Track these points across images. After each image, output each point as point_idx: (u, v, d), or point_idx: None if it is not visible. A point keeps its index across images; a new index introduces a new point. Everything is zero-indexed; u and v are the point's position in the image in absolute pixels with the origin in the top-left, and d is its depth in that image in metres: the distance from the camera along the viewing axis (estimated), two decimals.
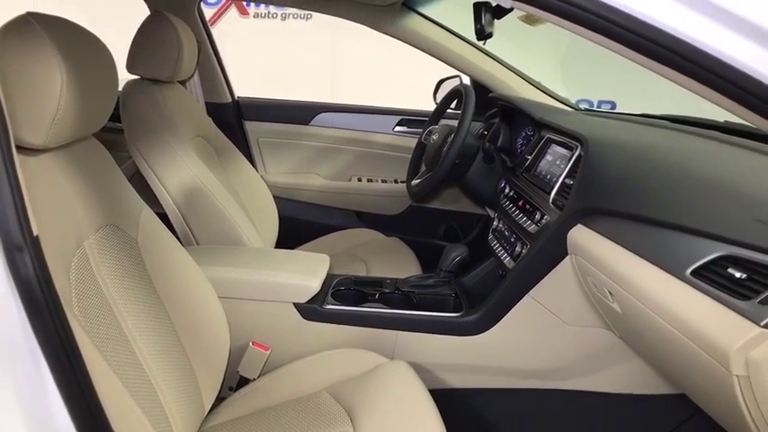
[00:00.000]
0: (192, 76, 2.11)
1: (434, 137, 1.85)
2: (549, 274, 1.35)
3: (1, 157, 0.56)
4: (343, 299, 1.51)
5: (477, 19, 1.24)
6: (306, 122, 2.40)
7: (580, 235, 1.24)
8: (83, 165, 1.00)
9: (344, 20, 2.09)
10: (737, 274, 0.83)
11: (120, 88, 1.08)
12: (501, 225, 1.68)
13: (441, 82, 2.22)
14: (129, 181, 1.17)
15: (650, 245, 1.02)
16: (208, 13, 2.23)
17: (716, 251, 0.88)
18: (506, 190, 1.73)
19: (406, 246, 2.09)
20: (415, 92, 2.53)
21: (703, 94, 0.69)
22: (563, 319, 1.38)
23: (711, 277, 0.86)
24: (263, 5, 4.54)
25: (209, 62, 2.23)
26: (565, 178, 1.41)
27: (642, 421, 1.46)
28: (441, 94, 2.15)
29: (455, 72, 2.15)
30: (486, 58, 2.10)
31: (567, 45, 3.49)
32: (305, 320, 1.44)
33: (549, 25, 0.78)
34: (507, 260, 1.52)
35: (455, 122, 1.76)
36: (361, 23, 2.06)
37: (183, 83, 1.91)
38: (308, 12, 4.00)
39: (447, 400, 1.24)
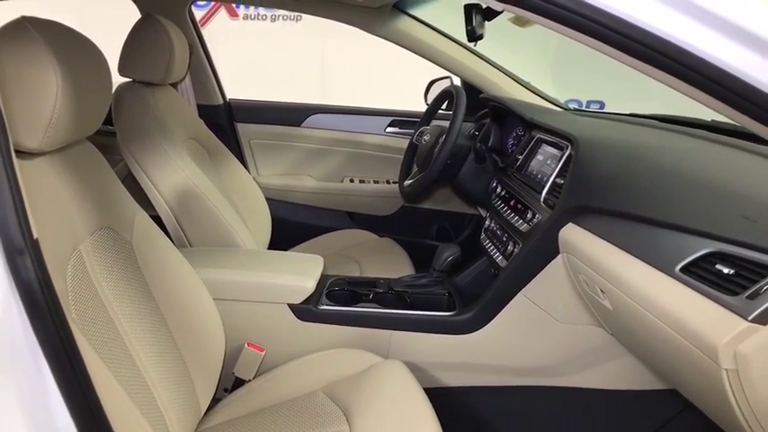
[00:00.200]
0: (184, 78, 2.11)
1: (426, 137, 1.86)
2: (541, 272, 1.36)
3: (1, 160, 0.56)
4: (337, 299, 1.51)
5: (468, 21, 1.25)
6: (297, 124, 2.41)
7: (571, 233, 1.25)
8: (78, 168, 1.00)
9: (335, 22, 2.10)
10: (725, 270, 0.85)
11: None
12: (493, 224, 1.70)
13: (431, 83, 2.23)
14: None
15: (640, 242, 1.04)
16: (197, 15, 2.23)
17: (704, 248, 0.90)
18: (498, 190, 1.75)
19: (399, 246, 2.10)
20: (405, 93, 2.54)
21: (690, 95, 0.70)
22: (555, 317, 1.39)
23: (700, 273, 0.88)
24: (252, 7, 4.53)
25: (201, 64, 2.23)
26: (555, 178, 1.43)
27: (634, 416, 1.48)
28: (431, 95, 2.16)
29: (445, 73, 2.16)
30: (476, 59, 2.11)
31: (555, 46, 3.52)
32: (300, 321, 1.44)
33: (538, 27, 0.79)
34: (500, 259, 1.54)
35: (446, 123, 1.77)
36: (352, 25, 2.07)
37: (174, 85, 1.91)
38: (297, 13, 4.00)
39: (442, 398, 1.25)
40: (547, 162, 1.54)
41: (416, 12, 2.08)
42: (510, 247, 1.50)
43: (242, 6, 4.46)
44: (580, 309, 1.36)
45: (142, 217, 1.17)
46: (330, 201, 2.41)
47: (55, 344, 0.60)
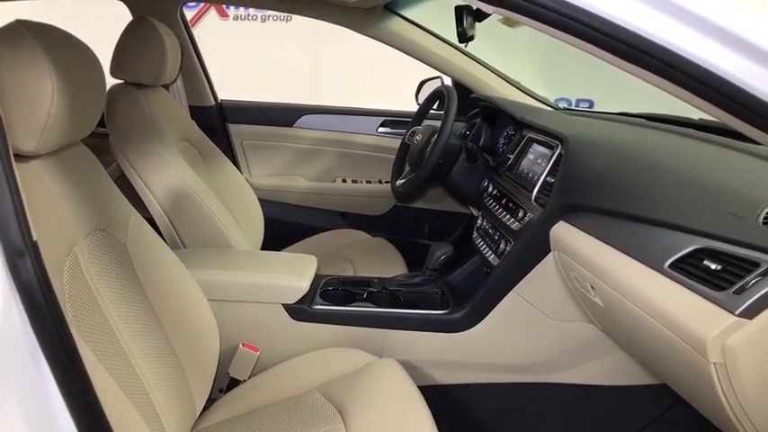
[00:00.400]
0: (176, 79, 2.11)
1: (418, 137, 1.88)
2: (533, 270, 1.38)
3: (0, 163, 0.57)
4: (331, 299, 1.52)
5: (459, 22, 1.26)
6: (289, 124, 2.41)
7: (562, 231, 1.27)
8: (72, 170, 1.01)
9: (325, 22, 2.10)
10: (713, 266, 0.86)
11: None
12: (485, 223, 1.71)
13: (422, 83, 2.24)
14: None
15: (630, 240, 1.05)
16: (187, 15, 2.23)
17: (692, 244, 0.91)
18: (489, 189, 1.77)
19: (392, 245, 2.11)
20: (396, 93, 2.55)
21: (675, 93, 0.71)
22: (547, 314, 1.41)
23: (688, 269, 0.90)
24: (242, 8, 4.52)
25: (192, 65, 2.23)
26: (546, 176, 1.44)
27: (625, 411, 1.50)
28: (422, 96, 2.17)
29: (436, 73, 2.17)
30: (467, 59, 2.13)
31: (545, 46, 3.54)
32: (294, 321, 1.45)
33: (527, 27, 0.80)
34: (492, 257, 1.55)
35: (438, 123, 1.78)
36: (343, 26, 2.07)
37: (166, 87, 1.91)
38: (288, 14, 3.99)
39: (436, 395, 1.26)
40: (537, 161, 1.56)
41: (407, 12, 2.09)
42: (502, 246, 1.51)
43: (232, 7, 4.45)
44: (571, 306, 1.38)
45: (136, 218, 1.17)
46: (322, 201, 2.42)
47: (55, 344, 0.61)
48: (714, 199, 0.98)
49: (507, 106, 1.85)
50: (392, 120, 2.41)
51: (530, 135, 1.68)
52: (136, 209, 1.20)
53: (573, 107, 3.57)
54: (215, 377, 1.26)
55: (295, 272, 1.49)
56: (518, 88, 2.17)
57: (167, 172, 1.57)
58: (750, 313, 0.78)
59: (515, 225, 1.47)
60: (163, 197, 1.58)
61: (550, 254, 1.33)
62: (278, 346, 1.44)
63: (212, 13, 4.51)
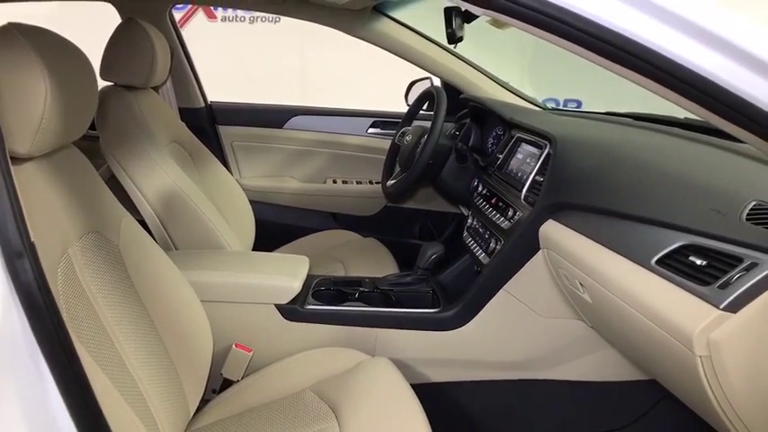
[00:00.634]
0: (166, 81, 2.11)
1: (408, 138, 1.89)
2: (523, 268, 1.39)
3: None
4: (323, 299, 1.53)
5: (448, 24, 1.27)
6: (279, 126, 2.41)
7: (551, 229, 1.29)
8: (65, 173, 1.01)
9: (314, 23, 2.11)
10: (698, 262, 0.88)
11: None
12: (475, 222, 1.73)
13: (412, 84, 2.25)
14: None
15: (617, 237, 1.07)
16: (174, 17, 2.23)
17: (678, 241, 0.94)
18: (479, 188, 1.78)
19: (383, 246, 2.12)
20: (386, 94, 2.56)
21: (662, 94, 0.73)
22: (537, 312, 1.43)
23: (675, 265, 0.92)
24: (230, 9, 4.50)
25: (182, 67, 2.23)
26: (535, 176, 1.46)
27: (615, 407, 1.52)
28: (412, 96, 2.18)
29: (425, 74, 2.19)
30: (456, 60, 2.14)
31: (533, 47, 3.57)
32: (287, 321, 1.46)
33: (515, 29, 0.81)
34: (482, 256, 1.57)
35: (427, 123, 1.80)
36: (332, 27, 2.08)
37: (156, 89, 1.91)
38: (276, 15, 3.99)
39: (428, 393, 1.27)
40: (526, 161, 1.58)
41: (396, 14, 2.11)
42: (492, 245, 1.53)
43: (220, 8, 4.44)
44: (561, 303, 1.39)
45: (129, 220, 1.18)
46: (313, 202, 2.43)
47: (54, 345, 0.61)
48: (699, 196, 1.01)
49: (496, 107, 1.87)
50: (382, 120, 2.42)
51: (518, 135, 1.70)
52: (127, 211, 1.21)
53: (561, 107, 3.60)
54: (208, 378, 1.26)
55: (287, 272, 1.50)
56: (507, 89, 2.18)
57: (158, 174, 1.57)
58: (734, 307, 0.80)
59: (505, 224, 1.49)
60: (154, 199, 1.58)
61: (540, 252, 1.35)
62: (271, 347, 1.45)
63: (200, 14, 4.49)
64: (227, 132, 2.40)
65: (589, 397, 1.50)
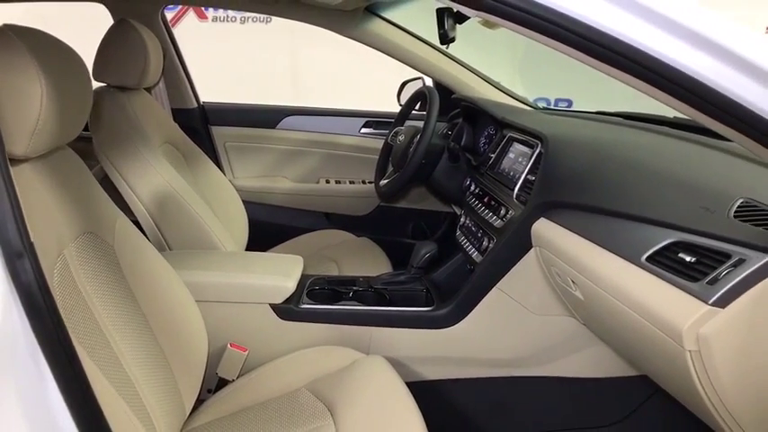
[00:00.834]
0: (158, 82, 2.11)
1: (401, 138, 1.90)
2: (515, 266, 1.41)
3: None
4: (318, 298, 1.53)
5: (441, 24, 1.28)
6: (272, 126, 2.42)
7: (543, 228, 1.30)
8: (60, 174, 1.01)
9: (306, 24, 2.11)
10: (687, 258, 0.90)
11: None
12: (468, 221, 1.74)
13: (404, 84, 2.26)
14: None
15: (608, 235, 1.09)
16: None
17: (668, 238, 0.95)
18: (472, 187, 1.79)
19: (376, 245, 2.12)
20: (378, 94, 2.56)
21: (651, 94, 0.74)
22: (529, 309, 1.44)
23: (664, 262, 0.93)
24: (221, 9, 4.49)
25: (174, 68, 2.23)
26: (527, 175, 1.48)
27: (607, 402, 1.53)
28: (404, 96, 2.20)
29: (417, 74, 2.20)
30: (448, 60, 2.15)
31: (524, 47, 3.59)
32: (281, 320, 1.46)
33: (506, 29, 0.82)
34: (475, 254, 1.58)
35: (420, 123, 1.81)
36: (324, 28, 2.09)
37: (148, 89, 1.91)
38: (268, 15, 3.98)
39: (423, 391, 1.28)
40: (518, 160, 1.59)
41: (388, 14, 2.11)
42: (485, 243, 1.54)
43: (211, 8, 4.42)
44: (553, 300, 1.41)
45: (123, 221, 1.18)
46: (306, 202, 2.43)
47: (54, 344, 0.62)
48: (688, 194, 1.02)
49: (488, 106, 1.89)
50: (375, 120, 2.43)
51: (510, 134, 1.71)
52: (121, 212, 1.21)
53: (552, 106, 3.62)
54: (203, 377, 1.27)
55: (282, 272, 1.51)
56: (498, 88, 2.20)
57: (152, 175, 1.57)
58: (723, 302, 0.82)
59: (498, 222, 1.50)
60: (148, 200, 1.59)
61: (532, 250, 1.36)
62: (266, 346, 1.45)
63: (191, 14, 4.48)
64: (219, 133, 2.40)
65: (581, 393, 1.52)
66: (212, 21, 4.52)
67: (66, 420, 0.63)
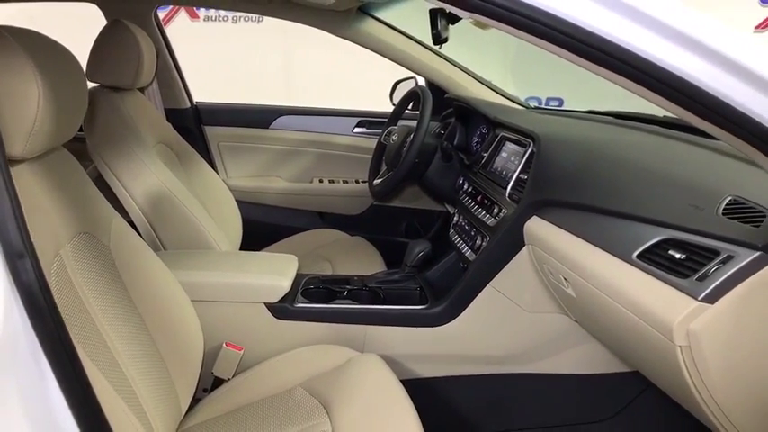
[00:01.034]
0: (152, 83, 2.11)
1: (394, 137, 1.91)
2: (508, 264, 1.42)
3: None
4: (312, 297, 1.54)
5: (433, 25, 1.29)
6: (266, 126, 2.42)
7: (536, 226, 1.32)
8: (56, 174, 1.01)
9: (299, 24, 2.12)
10: (677, 255, 0.92)
11: None
12: (461, 220, 1.75)
13: (396, 84, 2.27)
14: None
15: (600, 232, 1.11)
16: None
17: (658, 235, 0.97)
18: (465, 186, 1.81)
19: (370, 244, 2.13)
20: (371, 94, 2.57)
21: (640, 93, 0.76)
22: (522, 307, 1.45)
23: (655, 259, 0.95)
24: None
25: (167, 68, 2.23)
26: (519, 174, 1.49)
27: (599, 398, 1.55)
28: (397, 96, 2.21)
29: (410, 74, 2.21)
30: (440, 60, 2.16)
31: (515, 47, 3.60)
32: (276, 319, 1.47)
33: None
34: (468, 253, 1.59)
35: (413, 123, 1.82)
36: (318, 28, 2.09)
37: (141, 90, 1.91)
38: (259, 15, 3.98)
39: (417, 389, 1.29)
40: (511, 159, 1.61)
41: (381, 14, 2.12)
42: (478, 241, 1.55)
43: (203, 8, 4.41)
44: (546, 297, 1.42)
45: (119, 221, 1.18)
46: (300, 201, 2.44)
47: (55, 343, 0.62)
48: (678, 192, 1.04)
49: (480, 106, 1.90)
50: (368, 120, 2.44)
51: (503, 134, 1.73)
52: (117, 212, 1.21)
53: (543, 106, 3.64)
54: (199, 377, 1.27)
55: (276, 271, 1.51)
56: (490, 88, 2.21)
57: (146, 175, 1.58)
58: (712, 298, 0.83)
59: (491, 221, 1.51)
60: (142, 200, 1.59)
61: (525, 248, 1.38)
62: (261, 345, 1.46)
63: (182, 14, 4.46)
64: (213, 133, 2.40)
65: (574, 389, 1.54)
66: (204, 20, 4.50)
67: (67, 419, 0.63)
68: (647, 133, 1.51)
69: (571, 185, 1.28)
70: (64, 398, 0.63)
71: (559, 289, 1.29)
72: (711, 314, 0.83)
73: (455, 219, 1.81)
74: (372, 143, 2.20)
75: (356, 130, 2.45)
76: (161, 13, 4.39)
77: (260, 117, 2.43)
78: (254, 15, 4.25)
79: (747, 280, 0.82)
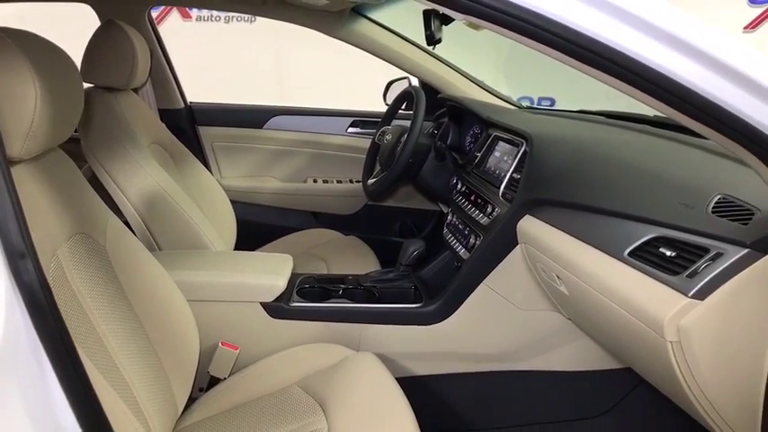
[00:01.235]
0: (145, 83, 2.11)
1: (388, 137, 1.92)
2: (502, 262, 1.43)
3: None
4: (308, 296, 1.55)
5: (427, 26, 1.31)
6: (260, 126, 2.42)
7: (529, 225, 1.33)
8: (52, 175, 1.02)
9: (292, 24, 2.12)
10: (668, 253, 0.93)
11: None
12: (455, 219, 1.76)
13: (390, 84, 2.28)
14: None
15: (592, 231, 1.12)
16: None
17: (649, 233, 0.99)
18: (458, 186, 1.82)
19: (364, 243, 2.14)
20: (363, 93, 2.58)
21: (630, 93, 0.77)
22: (516, 305, 1.47)
23: (646, 256, 0.97)
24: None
25: (161, 68, 2.23)
26: (512, 173, 1.50)
27: (592, 395, 1.57)
28: (390, 96, 2.21)
29: (403, 74, 2.22)
30: (433, 60, 2.17)
31: (508, 47, 3.62)
32: (272, 319, 1.47)
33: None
34: (462, 252, 1.61)
35: (406, 123, 1.83)
36: (311, 28, 2.10)
37: (135, 90, 1.91)
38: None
39: (413, 386, 1.30)
40: (504, 158, 1.62)
41: (374, 15, 2.13)
42: (472, 240, 1.57)
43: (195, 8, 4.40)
44: (539, 295, 1.44)
45: (114, 222, 1.18)
46: (294, 201, 2.44)
47: (56, 342, 0.63)
48: (668, 191, 1.06)
49: (473, 106, 1.91)
50: (361, 120, 2.45)
51: (495, 133, 1.74)
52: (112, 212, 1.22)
53: (535, 105, 3.66)
54: (195, 376, 1.27)
55: (272, 271, 1.52)
56: (483, 88, 2.22)
57: (142, 175, 1.58)
58: (701, 295, 0.85)
59: (484, 220, 1.53)
60: (137, 200, 1.59)
61: (518, 246, 1.39)
62: (257, 344, 1.46)
63: (174, 14, 4.45)
64: (207, 133, 2.40)
65: (567, 386, 1.55)
66: (196, 20, 4.49)
67: (68, 417, 0.64)
68: (638, 132, 1.53)
69: (563, 184, 1.29)
70: (65, 397, 0.64)
71: (552, 287, 1.30)
72: (701, 310, 0.85)
73: (449, 218, 1.82)
74: (366, 143, 2.21)
75: (350, 129, 2.46)
76: (153, 14, 4.37)
77: (254, 117, 2.43)
78: (246, 15, 4.24)
79: (736, 276, 0.83)
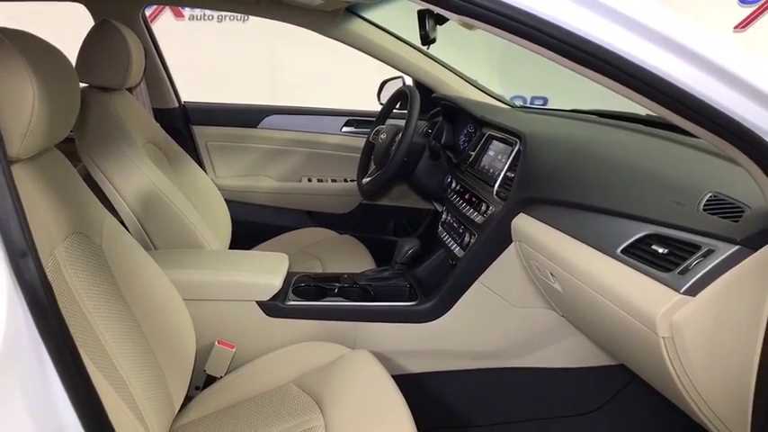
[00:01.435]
0: (140, 82, 2.11)
1: (382, 136, 1.93)
2: (496, 260, 1.45)
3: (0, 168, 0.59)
4: (303, 295, 1.55)
5: (422, 26, 1.31)
6: (254, 125, 2.43)
7: (523, 223, 1.34)
8: (49, 175, 1.02)
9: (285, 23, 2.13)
10: (660, 250, 0.95)
11: None
12: (449, 218, 1.78)
13: (384, 83, 2.29)
14: None
15: (585, 228, 1.13)
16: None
17: (642, 231, 1.00)
18: (453, 184, 1.83)
19: (359, 242, 2.15)
20: (358, 93, 2.58)
21: (623, 93, 0.78)
22: (510, 302, 1.48)
23: (639, 254, 0.98)
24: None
25: (155, 68, 2.22)
26: (506, 172, 1.52)
27: (587, 391, 1.58)
28: (384, 95, 2.22)
29: (397, 73, 2.22)
30: (427, 59, 2.18)
31: (501, 46, 3.64)
32: (268, 317, 1.48)
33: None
34: (457, 250, 1.62)
35: (400, 122, 1.84)
36: (305, 28, 2.10)
37: (129, 90, 1.91)
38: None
39: (408, 384, 1.31)
40: (498, 157, 1.63)
41: (369, 15, 2.14)
42: (466, 239, 1.58)
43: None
44: (533, 293, 1.45)
45: (110, 221, 1.19)
46: (289, 200, 2.44)
47: (57, 341, 0.63)
48: (660, 189, 1.07)
49: (467, 105, 1.92)
50: (356, 119, 2.45)
51: (489, 133, 1.75)
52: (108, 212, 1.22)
53: (528, 105, 3.68)
54: (192, 375, 1.28)
55: (268, 269, 1.52)
56: (476, 87, 2.24)
57: (137, 175, 1.58)
58: (693, 291, 0.86)
59: (478, 218, 1.54)
60: (132, 200, 1.59)
61: (512, 244, 1.41)
62: (253, 343, 1.47)
63: (167, 13, 4.43)
64: (201, 132, 2.40)
65: (561, 382, 1.57)
66: (189, 19, 4.47)
67: (69, 415, 0.64)
68: (630, 131, 1.54)
69: (557, 183, 1.30)
70: (66, 395, 0.64)
71: (546, 284, 1.31)
72: (693, 306, 0.86)
73: (443, 216, 1.83)
74: (360, 142, 2.22)
75: (344, 129, 2.46)
76: (146, 13, 4.35)
77: (248, 116, 2.43)
78: (239, 15, 4.23)
79: (727, 273, 0.85)
